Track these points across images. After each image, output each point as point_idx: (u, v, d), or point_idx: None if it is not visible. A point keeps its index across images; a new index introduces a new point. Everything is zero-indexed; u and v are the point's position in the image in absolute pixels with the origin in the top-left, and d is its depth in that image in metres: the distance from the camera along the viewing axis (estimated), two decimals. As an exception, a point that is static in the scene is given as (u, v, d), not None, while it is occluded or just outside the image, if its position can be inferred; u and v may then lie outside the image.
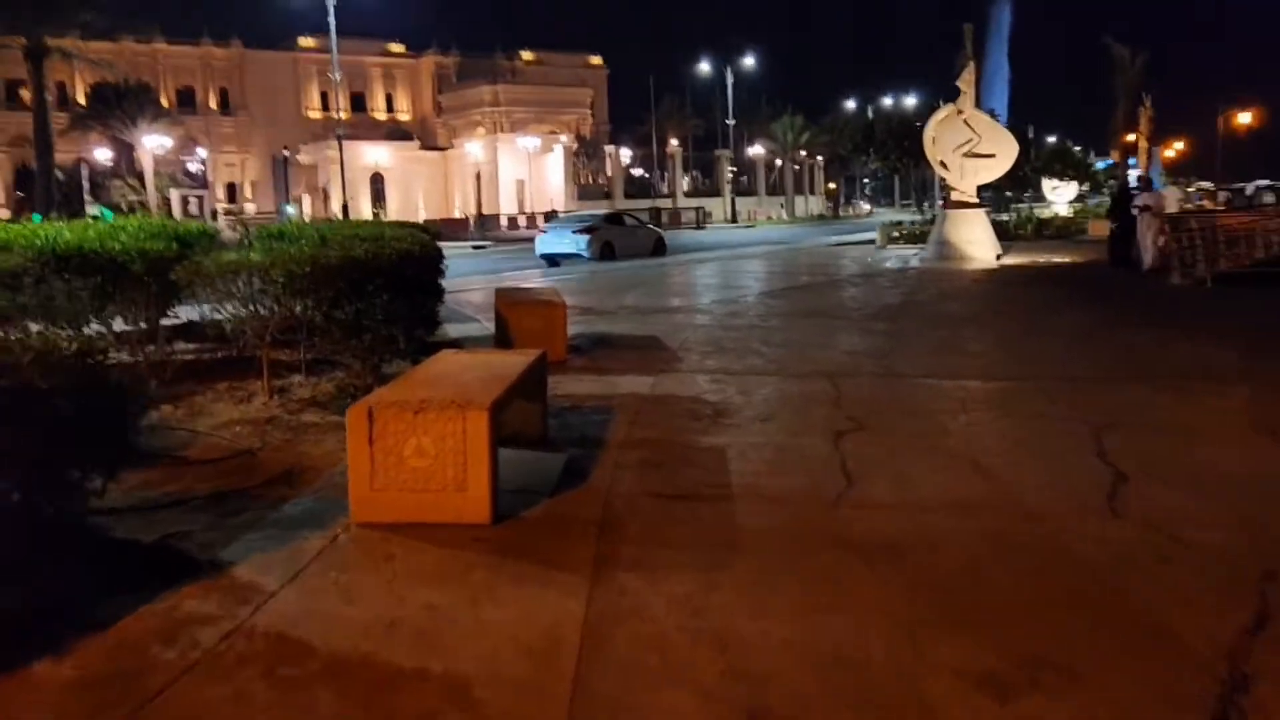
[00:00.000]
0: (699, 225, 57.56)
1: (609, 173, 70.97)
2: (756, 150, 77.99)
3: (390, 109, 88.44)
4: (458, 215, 62.11)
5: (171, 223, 9.94)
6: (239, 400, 7.26)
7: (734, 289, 16.92)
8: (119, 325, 8.57)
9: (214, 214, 55.04)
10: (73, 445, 3.40)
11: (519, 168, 67.82)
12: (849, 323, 11.91)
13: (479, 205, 57.81)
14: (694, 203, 65.30)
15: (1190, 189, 49.89)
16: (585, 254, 25.33)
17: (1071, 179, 42.80)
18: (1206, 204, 45.38)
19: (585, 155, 72.60)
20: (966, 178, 21.19)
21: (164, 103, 68.71)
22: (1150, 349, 9.76)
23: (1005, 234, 26.79)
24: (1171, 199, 21.63)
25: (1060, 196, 42.31)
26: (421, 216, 57.33)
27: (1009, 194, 40.17)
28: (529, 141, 66.27)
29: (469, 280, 18.90)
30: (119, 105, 55.48)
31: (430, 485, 4.42)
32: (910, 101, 63.68)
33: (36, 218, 39.60)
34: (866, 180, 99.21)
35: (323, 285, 6.71)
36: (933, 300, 14.48)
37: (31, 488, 3.28)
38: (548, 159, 67.63)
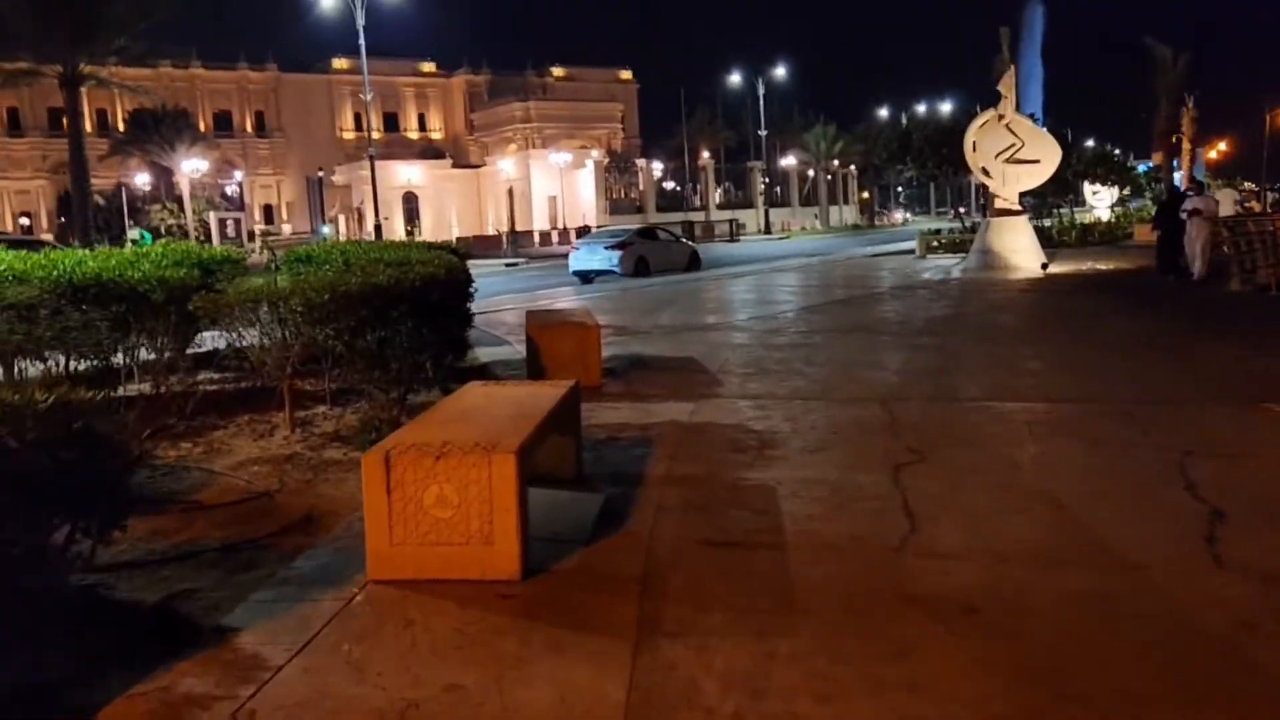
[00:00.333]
0: (732, 237, 57.02)
1: (641, 186, 70.69)
2: (789, 161, 77.38)
3: (423, 128, 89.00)
4: (491, 232, 62.09)
5: (196, 248, 9.70)
6: (260, 435, 6.93)
7: (772, 304, 16.44)
8: (145, 354, 8.39)
9: (250, 235, 55.47)
10: (54, 509, 3.04)
11: (551, 183, 67.75)
12: (895, 339, 11.40)
13: (512, 222, 57.72)
14: (727, 215, 64.76)
15: (1241, 190, 48.61)
16: (618, 270, 24.95)
17: (1114, 183, 41.78)
18: (1254, 206, 44.14)
19: (617, 169, 72.34)
20: (1009, 184, 20.57)
21: (201, 126, 69.68)
22: (1222, 364, 9.17)
23: (1048, 241, 26.06)
24: (1227, 201, 20.87)
25: (1100, 201, 41.32)
26: (455, 234, 57.39)
27: (1051, 200, 39.26)
28: (561, 157, 66.18)
29: (501, 300, 18.62)
30: (157, 130, 56.30)
31: (454, 538, 4.02)
32: (946, 108, 62.77)
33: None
34: (900, 188, 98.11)
35: (343, 313, 6.37)
36: (981, 313, 13.92)
37: (7, 559, 2.93)
38: (579, 174, 67.51)
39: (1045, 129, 22.90)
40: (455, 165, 75.13)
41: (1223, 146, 72.06)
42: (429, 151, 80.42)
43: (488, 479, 4.00)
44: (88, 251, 9.41)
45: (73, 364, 7.69)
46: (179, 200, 55.21)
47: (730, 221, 60.87)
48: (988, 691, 3.02)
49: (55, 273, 7.48)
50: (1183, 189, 21.79)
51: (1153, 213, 24.28)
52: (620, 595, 3.87)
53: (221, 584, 4.17)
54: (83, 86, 30.93)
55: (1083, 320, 12.97)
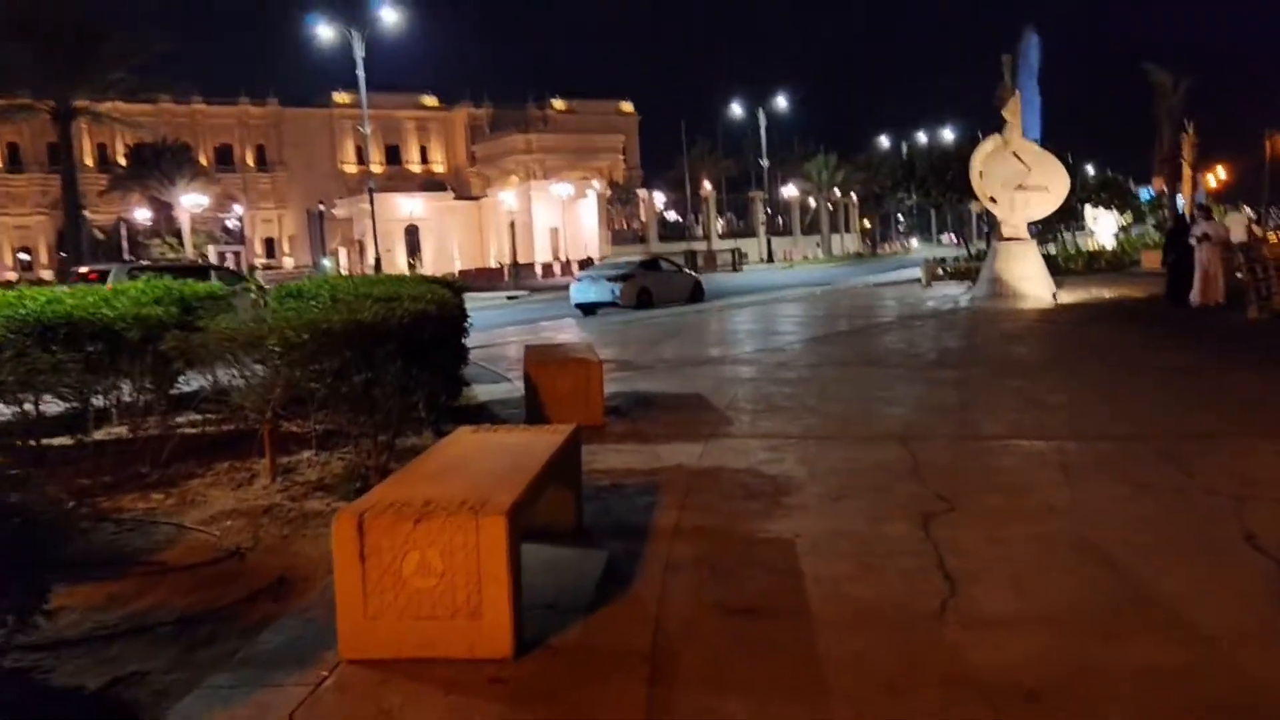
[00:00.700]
0: (735, 267, 56.71)
1: (643, 217, 70.56)
2: (790, 190, 77.31)
3: (424, 160, 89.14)
4: (493, 264, 61.87)
5: (177, 285, 9.28)
6: (239, 484, 6.47)
7: (779, 335, 16.01)
8: (126, 396, 7.95)
9: (251, 269, 55.26)
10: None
11: (553, 215, 67.62)
12: (910, 372, 10.94)
13: (514, 253, 57.39)
14: (729, 244, 64.54)
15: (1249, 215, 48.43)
16: (620, 302, 24.55)
17: (1118, 209, 41.57)
18: (1257, 231, 43.82)
19: (619, 200, 72.20)
20: (1018, 211, 20.17)
21: (202, 160, 69.76)
22: (1254, 396, 8.72)
23: (1055, 268, 25.65)
24: (1237, 226, 20.49)
25: (1102, 227, 41.08)
26: (457, 266, 57.19)
27: (1059, 225, 39.04)
28: (562, 188, 66.09)
29: (502, 333, 18.22)
30: (158, 165, 56.27)
31: (437, 611, 3.55)
32: (948, 135, 62.69)
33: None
34: (900, 216, 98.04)
35: (326, 354, 5.92)
36: (995, 343, 13.48)
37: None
38: (581, 205, 67.39)
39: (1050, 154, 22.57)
40: (457, 197, 75.10)
41: (1222, 175, 71.83)
42: (431, 184, 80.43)
43: (475, 544, 3.54)
44: (65, 289, 8.99)
45: (47, 407, 7.26)
46: (179, 234, 55.05)
47: (733, 251, 60.63)
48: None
49: (22, 312, 7.04)
50: (1187, 215, 21.43)
51: (1158, 239, 23.92)
52: (626, 676, 3.40)
53: (176, 664, 3.70)
54: (78, 120, 30.74)
55: (1102, 351, 12.51)
